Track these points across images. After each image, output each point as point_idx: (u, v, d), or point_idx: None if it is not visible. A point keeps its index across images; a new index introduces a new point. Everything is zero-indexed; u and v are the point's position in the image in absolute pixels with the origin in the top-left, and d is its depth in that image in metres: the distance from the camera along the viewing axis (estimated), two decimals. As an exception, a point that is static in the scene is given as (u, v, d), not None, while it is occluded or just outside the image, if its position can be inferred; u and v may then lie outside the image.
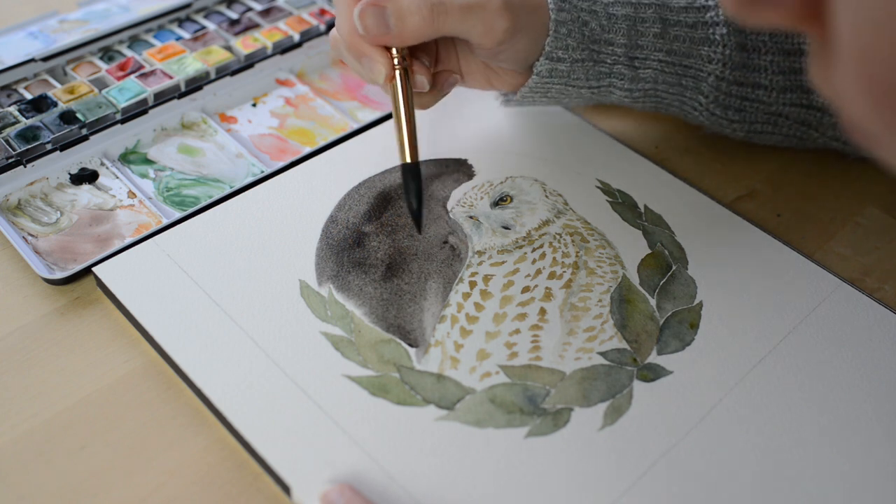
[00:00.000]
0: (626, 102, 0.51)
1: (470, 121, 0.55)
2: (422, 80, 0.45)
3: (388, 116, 0.56)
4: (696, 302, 0.45)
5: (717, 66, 0.48)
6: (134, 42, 0.60)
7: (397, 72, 0.44)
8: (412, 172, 0.44)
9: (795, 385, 0.42)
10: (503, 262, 0.47)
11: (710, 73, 0.48)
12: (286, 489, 0.37)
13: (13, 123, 0.52)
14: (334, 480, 0.37)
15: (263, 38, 0.60)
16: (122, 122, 0.54)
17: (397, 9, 0.41)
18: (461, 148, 0.53)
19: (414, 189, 0.45)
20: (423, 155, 0.52)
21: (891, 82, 0.20)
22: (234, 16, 0.63)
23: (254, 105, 0.58)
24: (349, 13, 0.43)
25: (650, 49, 0.47)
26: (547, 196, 0.51)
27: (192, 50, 0.59)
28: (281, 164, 0.52)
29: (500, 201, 0.50)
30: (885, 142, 0.22)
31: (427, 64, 0.46)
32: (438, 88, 0.47)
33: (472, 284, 0.45)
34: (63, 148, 0.52)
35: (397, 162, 0.52)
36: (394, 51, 0.44)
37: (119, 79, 0.56)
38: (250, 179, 0.51)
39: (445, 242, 0.48)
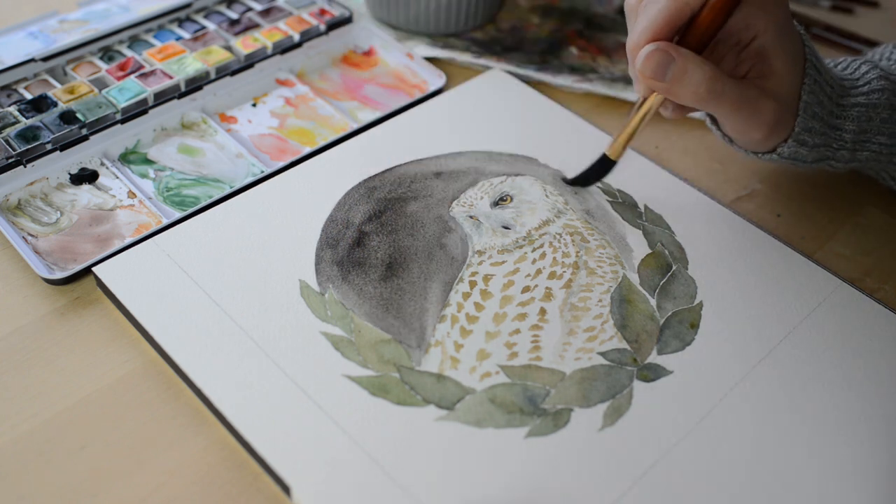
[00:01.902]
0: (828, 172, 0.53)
1: (472, 121, 0.55)
2: (668, 112, 0.47)
3: (388, 116, 0.56)
4: (696, 302, 0.45)
5: None
6: (134, 42, 0.60)
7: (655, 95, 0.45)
8: (607, 165, 0.49)
9: (795, 385, 0.42)
10: (503, 262, 0.47)
11: None
12: (286, 489, 0.37)
13: (13, 123, 0.52)
14: (334, 480, 0.37)
15: (263, 38, 0.60)
16: (122, 122, 0.54)
17: (680, 70, 0.42)
18: (463, 148, 0.53)
19: (596, 175, 0.50)
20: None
21: None
22: (234, 16, 0.63)
23: (254, 105, 0.58)
24: (649, 26, 0.42)
25: (874, 132, 0.48)
26: (547, 196, 0.51)
27: (192, 50, 0.59)
28: (281, 164, 0.52)
29: (500, 201, 0.50)
30: None
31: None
32: (687, 110, 0.48)
33: (473, 284, 0.45)
34: (63, 148, 0.52)
35: (399, 161, 0.52)
36: None
37: (119, 79, 0.56)
38: (250, 179, 0.51)
39: (445, 242, 0.48)
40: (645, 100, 0.45)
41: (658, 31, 0.42)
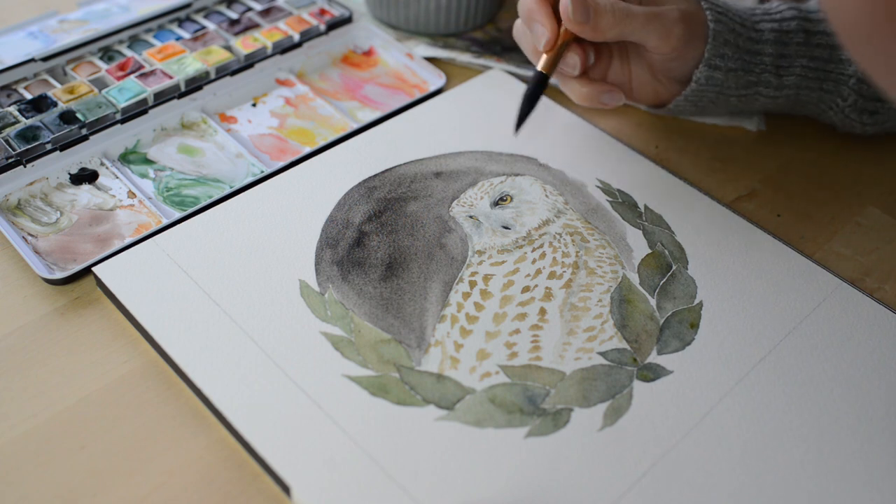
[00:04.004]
0: (768, 107, 0.55)
1: (472, 121, 0.55)
2: (574, 60, 0.50)
3: (388, 116, 0.56)
4: (696, 302, 0.45)
5: (858, 69, 0.51)
6: (134, 42, 0.60)
7: (558, 43, 0.49)
8: (540, 79, 0.50)
9: (795, 385, 0.42)
10: (503, 262, 0.47)
11: (852, 75, 0.51)
12: (286, 489, 0.37)
13: (13, 123, 0.52)
14: (334, 480, 0.37)
15: (263, 38, 0.60)
16: (122, 122, 0.54)
17: (595, 4, 0.47)
18: (463, 148, 0.53)
19: (530, 95, 0.50)
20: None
21: None
22: (234, 16, 0.63)
23: (254, 105, 0.58)
24: None
25: (794, 56, 0.52)
26: (547, 196, 0.51)
27: (192, 50, 0.59)
28: (281, 164, 0.52)
29: (500, 201, 0.50)
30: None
31: (590, 59, 0.51)
32: (597, 94, 0.51)
33: (472, 284, 0.45)
34: (63, 148, 0.52)
35: (399, 161, 0.52)
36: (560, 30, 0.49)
37: (119, 79, 0.56)
38: (250, 179, 0.51)
39: (445, 242, 0.48)
40: (550, 52, 0.49)
41: None
